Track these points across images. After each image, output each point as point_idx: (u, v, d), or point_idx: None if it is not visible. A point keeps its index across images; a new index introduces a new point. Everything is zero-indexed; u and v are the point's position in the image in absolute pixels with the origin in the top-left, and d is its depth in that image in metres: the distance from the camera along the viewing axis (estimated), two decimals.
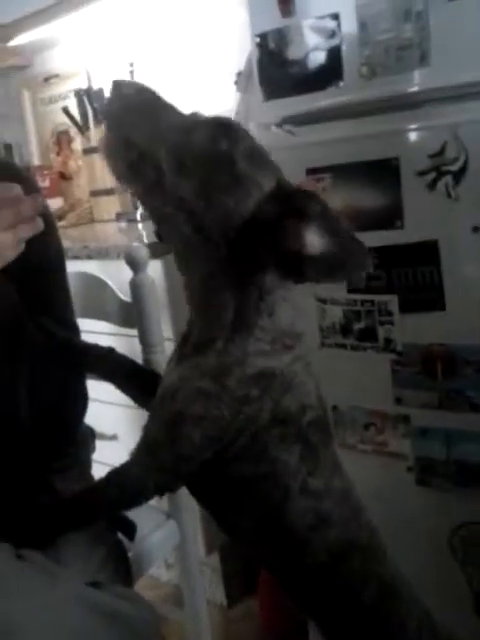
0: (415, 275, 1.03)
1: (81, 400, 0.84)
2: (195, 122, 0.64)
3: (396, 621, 0.74)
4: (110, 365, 0.83)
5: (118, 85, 0.62)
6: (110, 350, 0.83)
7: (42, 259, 0.75)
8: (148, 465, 0.69)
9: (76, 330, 0.88)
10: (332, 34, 1.02)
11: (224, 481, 0.71)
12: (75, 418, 0.83)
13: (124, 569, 0.89)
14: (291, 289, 0.66)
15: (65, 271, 0.87)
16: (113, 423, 1.53)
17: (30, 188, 0.78)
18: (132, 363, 0.88)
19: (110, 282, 1.12)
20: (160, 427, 0.69)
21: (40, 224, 0.57)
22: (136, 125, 0.61)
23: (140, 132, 0.61)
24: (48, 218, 0.82)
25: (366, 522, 0.74)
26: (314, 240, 0.58)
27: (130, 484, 0.70)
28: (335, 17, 1.01)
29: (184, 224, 0.63)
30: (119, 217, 1.98)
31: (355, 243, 0.61)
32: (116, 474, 0.71)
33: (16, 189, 0.55)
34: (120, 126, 0.61)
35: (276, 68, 1.11)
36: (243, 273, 0.64)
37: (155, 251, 1.26)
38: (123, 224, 1.91)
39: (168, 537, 1.09)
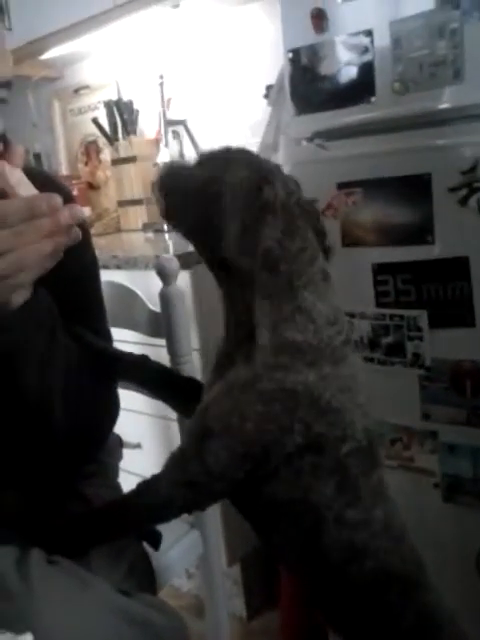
0: (445, 290, 1.03)
1: (113, 407, 0.84)
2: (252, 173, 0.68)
3: None
4: (145, 373, 0.83)
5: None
6: (145, 358, 0.83)
7: (78, 268, 0.76)
8: (177, 479, 0.69)
9: (110, 339, 0.88)
10: (365, 50, 1.02)
11: (258, 501, 0.70)
12: (106, 425, 0.84)
13: (149, 579, 0.90)
14: (310, 302, 0.66)
15: (99, 280, 0.88)
16: (137, 432, 1.54)
17: (67, 198, 0.80)
18: (167, 370, 0.89)
19: (139, 292, 1.13)
20: (190, 440, 0.70)
21: (78, 233, 0.57)
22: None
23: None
24: (84, 228, 0.84)
25: (409, 552, 0.71)
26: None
27: (159, 497, 0.69)
28: (368, 33, 1.01)
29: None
30: (146, 227, 2.00)
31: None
32: (146, 485, 0.71)
33: (56, 199, 0.55)
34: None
35: (308, 83, 1.11)
36: (252, 285, 0.65)
37: (184, 262, 1.28)
38: (150, 234, 1.93)
39: (191, 547, 1.09)
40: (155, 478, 0.70)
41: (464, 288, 1.01)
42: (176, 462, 0.70)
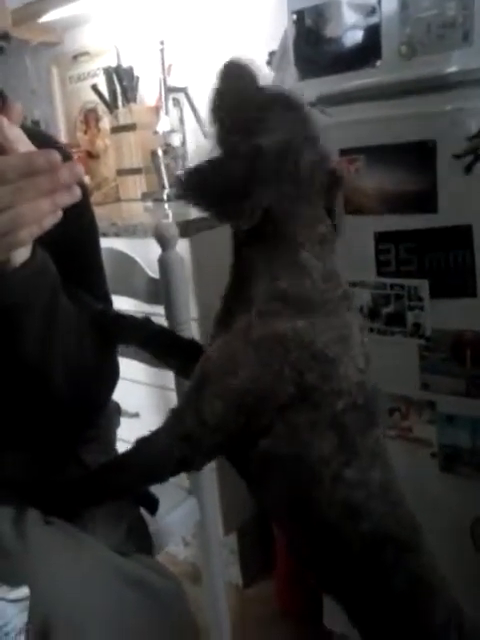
0: (447, 260, 1.02)
1: (112, 372, 0.84)
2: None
3: (423, 613, 0.73)
4: (148, 333, 0.83)
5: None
6: (147, 319, 0.83)
7: (77, 229, 0.75)
8: (174, 433, 0.69)
9: (110, 302, 0.88)
10: (372, 11, 1.00)
11: (255, 457, 0.70)
12: (106, 389, 0.84)
13: (146, 543, 0.90)
14: (306, 258, 0.67)
15: (99, 242, 0.87)
16: (136, 401, 1.54)
17: (66, 157, 0.79)
18: (169, 332, 0.89)
19: (138, 259, 1.12)
20: (188, 392, 0.70)
21: (78, 192, 0.56)
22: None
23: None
24: (83, 188, 0.82)
25: (405, 516, 0.71)
26: None
27: (157, 452, 0.70)
28: None
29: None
30: (145, 196, 1.98)
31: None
32: (143, 441, 0.71)
33: (55, 156, 0.54)
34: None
35: (312, 46, 1.09)
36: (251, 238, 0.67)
37: (183, 230, 1.26)
38: (149, 203, 1.91)
39: (188, 514, 1.10)
40: (153, 433, 0.70)
41: (466, 257, 1.00)
42: (174, 416, 0.70)
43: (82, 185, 0.85)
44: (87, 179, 2.19)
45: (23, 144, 0.58)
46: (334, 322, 0.67)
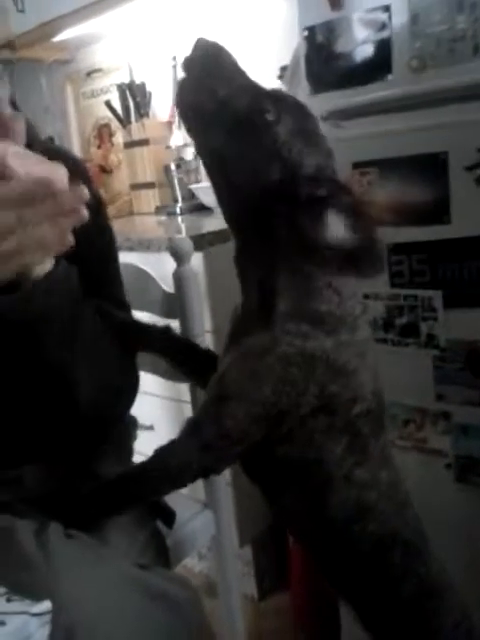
0: (461, 271, 1.02)
1: (133, 382, 0.85)
2: (257, 90, 0.66)
3: (433, 618, 0.74)
4: (168, 342, 0.84)
5: (202, 40, 0.66)
6: (167, 328, 0.84)
7: (97, 241, 0.76)
8: (194, 443, 0.69)
9: (128, 310, 0.89)
10: (382, 26, 1.01)
11: (270, 461, 0.71)
12: (127, 400, 0.84)
13: (163, 556, 0.91)
14: (339, 279, 0.67)
15: (117, 255, 0.88)
16: (150, 414, 1.54)
17: (82, 173, 0.80)
18: (188, 342, 0.90)
19: (152, 274, 1.13)
20: (207, 405, 0.71)
21: (84, 214, 0.54)
22: (215, 79, 0.64)
23: (217, 87, 0.64)
24: (99, 201, 0.84)
25: (412, 518, 0.73)
26: (333, 230, 0.60)
27: (175, 461, 0.70)
28: (386, 9, 1.00)
29: (217, 174, 0.67)
30: (158, 210, 2.00)
31: (375, 243, 0.61)
32: (162, 451, 0.72)
33: (57, 182, 0.53)
34: (203, 76, 0.65)
35: (324, 61, 1.10)
36: (277, 252, 0.66)
37: (197, 244, 1.28)
38: (163, 217, 1.93)
39: (204, 527, 1.10)
40: (171, 443, 0.71)
41: (479, 268, 1.00)
42: (193, 427, 0.71)
43: (100, 201, 0.87)
44: (101, 193, 2.22)
45: (31, 161, 0.58)
46: (357, 337, 0.68)
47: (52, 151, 0.66)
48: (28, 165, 0.54)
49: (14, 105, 0.65)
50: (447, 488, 1.13)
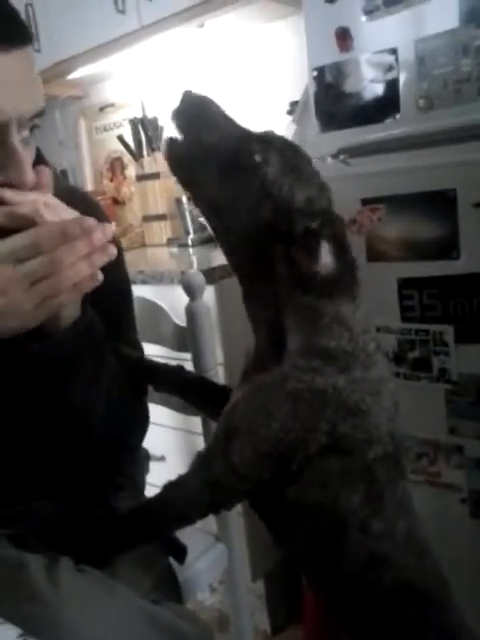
0: (471, 305, 1.03)
1: (144, 417, 0.86)
2: (244, 134, 0.68)
3: None
4: (182, 381, 0.85)
5: (188, 93, 0.68)
6: (180, 368, 0.85)
7: (114, 284, 0.78)
8: (203, 479, 0.69)
9: (140, 349, 0.90)
10: (390, 68, 1.03)
11: (281, 503, 0.70)
12: (139, 434, 0.85)
13: (175, 592, 0.90)
14: (348, 311, 0.67)
15: (131, 294, 0.90)
16: (162, 445, 1.55)
17: (96, 211, 0.82)
18: (203, 379, 0.91)
19: (164, 306, 1.14)
20: (216, 441, 0.70)
21: (113, 251, 0.59)
22: (203, 129, 0.67)
23: (206, 136, 0.67)
24: (116, 244, 0.86)
25: (431, 569, 0.71)
26: (324, 259, 0.63)
27: (185, 497, 0.70)
28: (393, 52, 1.03)
29: (214, 219, 0.69)
30: (170, 242, 2.02)
31: (354, 269, 0.66)
32: (172, 486, 0.71)
33: (89, 221, 0.57)
34: (191, 127, 0.67)
35: (333, 101, 1.13)
36: (280, 290, 0.66)
37: (208, 277, 1.29)
38: (174, 249, 1.95)
39: (216, 561, 1.09)
40: (181, 479, 0.71)
41: None
42: (202, 462, 0.71)
43: (116, 242, 0.89)
44: (113, 225, 2.25)
45: (62, 210, 0.61)
46: (371, 375, 0.67)
47: (71, 193, 0.68)
48: (58, 212, 0.58)
49: (39, 157, 0.67)
50: (462, 523, 1.12)
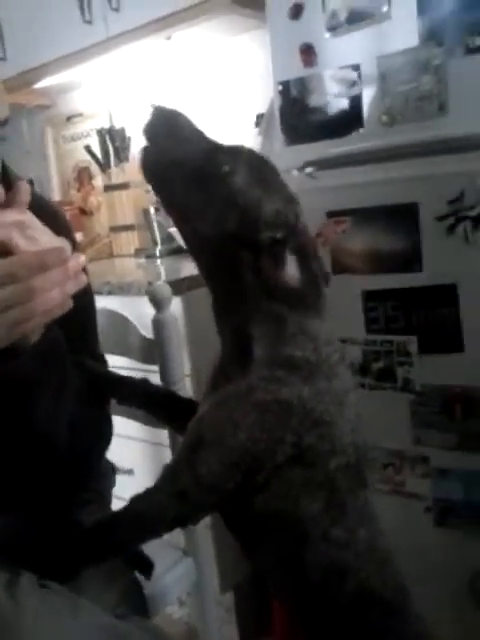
0: (434, 317, 1.05)
1: (108, 434, 0.85)
2: (213, 146, 0.70)
3: None
4: (147, 394, 0.84)
5: (159, 107, 0.70)
6: (144, 380, 0.84)
7: (78, 299, 0.77)
8: (169, 490, 0.69)
9: (104, 362, 0.90)
10: (353, 84, 1.05)
11: (248, 514, 0.70)
12: (102, 448, 0.85)
13: (141, 607, 0.89)
14: (313, 323, 0.68)
15: (95, 309, 0.90)
16: (129, 457, 1.53)
17: (63, 225, 0.82)
18: (168, 392, 0.90)
19: (131, 318, 1.14)
20: (183, 452, 0.70)
21: (84, 279, 0.59)
22: (174, 141, 0.68)
23: (176, 148, 0.68)
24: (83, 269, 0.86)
25: (393, 576, 0.71)
26: (289, 270, 0.64)
27: (152, 509, 0.69)
28: (356, 68, 1.05)
29: (184, 227, 0.71)
30: (138, 253, 2.02)
31: (320, 281, 0.67)
32: (138, 499, 0.70)
33: (65, 251, 0.56)
34: (159, 139, 0.69)
35: (298, 115, 1.14)
36: (247, 299, 0.67)
37: (175, 288, 1.29)
38: (142, 260, 1.94)
39: (184, 575, 1.08)
40: (147, 491, 0.70)
41: (452, 314, 1.03)
42: (168, 474, 0.70)
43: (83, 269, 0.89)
44: (80, 236, 2.23)
45: (38, 230, 0.60)
46: (335, 386, 0.68)
47: (38, 202, 0.68)
48: (35, 234, 0.58)
49: (5, 171, 0.67)
50: (427, 532, 1.13)
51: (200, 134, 0.70)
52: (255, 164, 0.69)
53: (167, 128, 0.69)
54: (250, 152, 0.71)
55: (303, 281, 0.66)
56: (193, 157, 0.67)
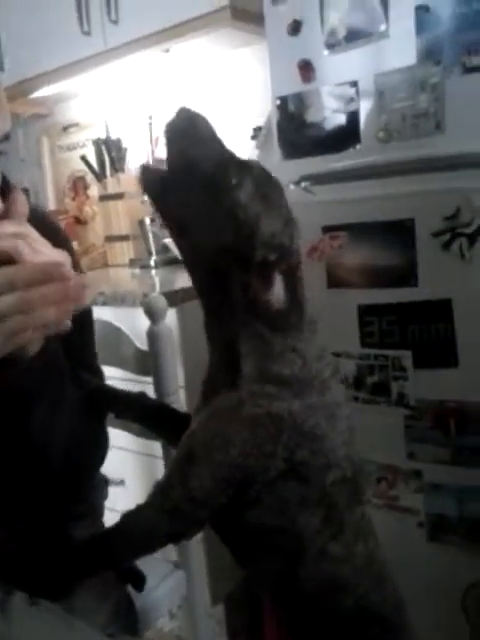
0: (429, 332, 1.05)
1: (104, 442, 0.85)
2: (226, 156, 0.69)
3: None
4: (144, 409, 0.84)
5: (185, 109, 0.70)
6: (142, 394, 0.84)
7: (80, 316, 0.77)
8: (161, 506, 0.68)
9: (101, 375, 0.89)
10: (350, 100, 1.06)
11: (241, 527, 0.70)
12: (98, 459, 0.84)
13: (133, 621, 0.89)
14: (299, 342, 0.68)
15: (93, 323, 0.89)
16: (121, 468, 1.53)
17: (60, 237, 0.82)
18: (164, 406, 0.90)
19: (125, 329, 1.13)
20: (175, 467, 0.70)
21: (85, 300, 0.57)
22: (190, 143, 0.68)
23: (191, 149, 0.68)
24: (80, 270, 0.85)
25: (390, 594, 0.72)
26: (278, 292, 0.65)
27: (144, 526, 0.69)
28: (354, 84, 1.06)
29: (180, 237, 0.70)
30: (132, 263, 2.02)
31: (302, 304, 0.67)
32: (130, 515, 0.70)
33: (67, 268, 0.56)
34: (178, 140, 0.69)
35: (295, 129, 1.15)
36: (236, 315, 0.67)
37: (170, 299, 1.29)
38: (137, 270, 1.94)
39: (175, 587, 1.08)
40: (139, 508, 0.70)
41: (447, 329, 1.04)
42: (160, 490, 0.70)
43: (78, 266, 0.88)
44: (75, 245, 2.23)
45: (39, 242, 0.59)
46: (326, 400, 0.68)
47: (33, 213, 0.67)
48: (36, 246, 0.57)
49: (6, 185, 0.66)
50: (420, 546, 1.13)
51: (218, 142, 0.70)
52: (262, 182, 0.68)
53: (186, 129, 0.69)
54: (260, 169, 0.70)
55: (287, 302, 0.66)
56: (205, 162, 0.67)
